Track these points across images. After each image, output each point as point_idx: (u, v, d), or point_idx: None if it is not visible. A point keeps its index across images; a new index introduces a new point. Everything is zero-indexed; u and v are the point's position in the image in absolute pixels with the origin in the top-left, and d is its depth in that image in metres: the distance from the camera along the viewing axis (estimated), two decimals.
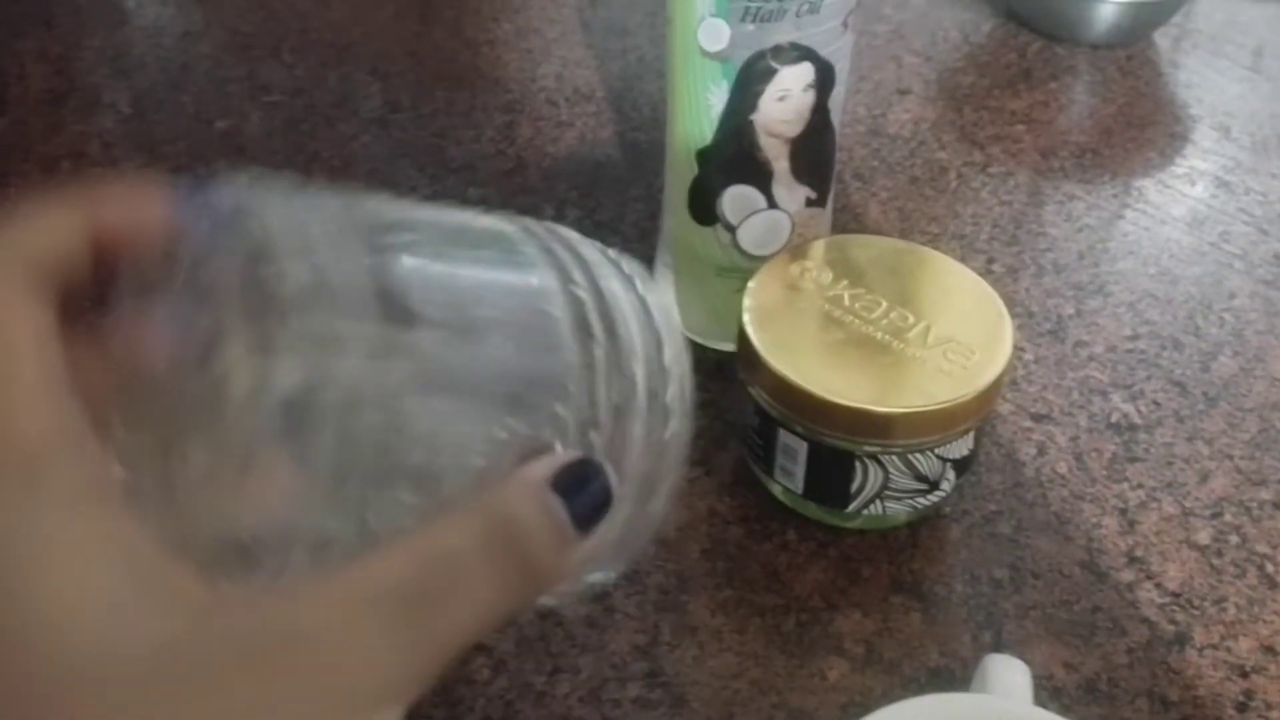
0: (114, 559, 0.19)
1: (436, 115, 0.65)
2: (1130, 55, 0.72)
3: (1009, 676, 0.30)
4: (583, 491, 0.21)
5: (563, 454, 0.22)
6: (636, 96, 0.67)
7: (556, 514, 0.21)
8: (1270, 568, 0.43)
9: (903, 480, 0.40)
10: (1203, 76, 0.70)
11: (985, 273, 0.54)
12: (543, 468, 0.21)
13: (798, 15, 0.39)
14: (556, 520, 0.21)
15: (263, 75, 0.68)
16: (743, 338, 0.40)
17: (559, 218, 0.58)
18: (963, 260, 0.45)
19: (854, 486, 0.40)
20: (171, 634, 0.18)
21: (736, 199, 0.45)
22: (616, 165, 0.62)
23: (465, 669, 0.39)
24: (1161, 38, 0.74)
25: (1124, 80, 0.70)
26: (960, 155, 0.63)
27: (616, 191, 0.60)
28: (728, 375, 0.50)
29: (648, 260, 0.54)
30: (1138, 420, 0.48)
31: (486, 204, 0.62)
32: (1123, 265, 0.56)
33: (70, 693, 0.18)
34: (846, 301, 0.41)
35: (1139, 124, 0.66)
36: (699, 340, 0.51)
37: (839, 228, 0.55)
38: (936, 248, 0.52)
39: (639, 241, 0.57)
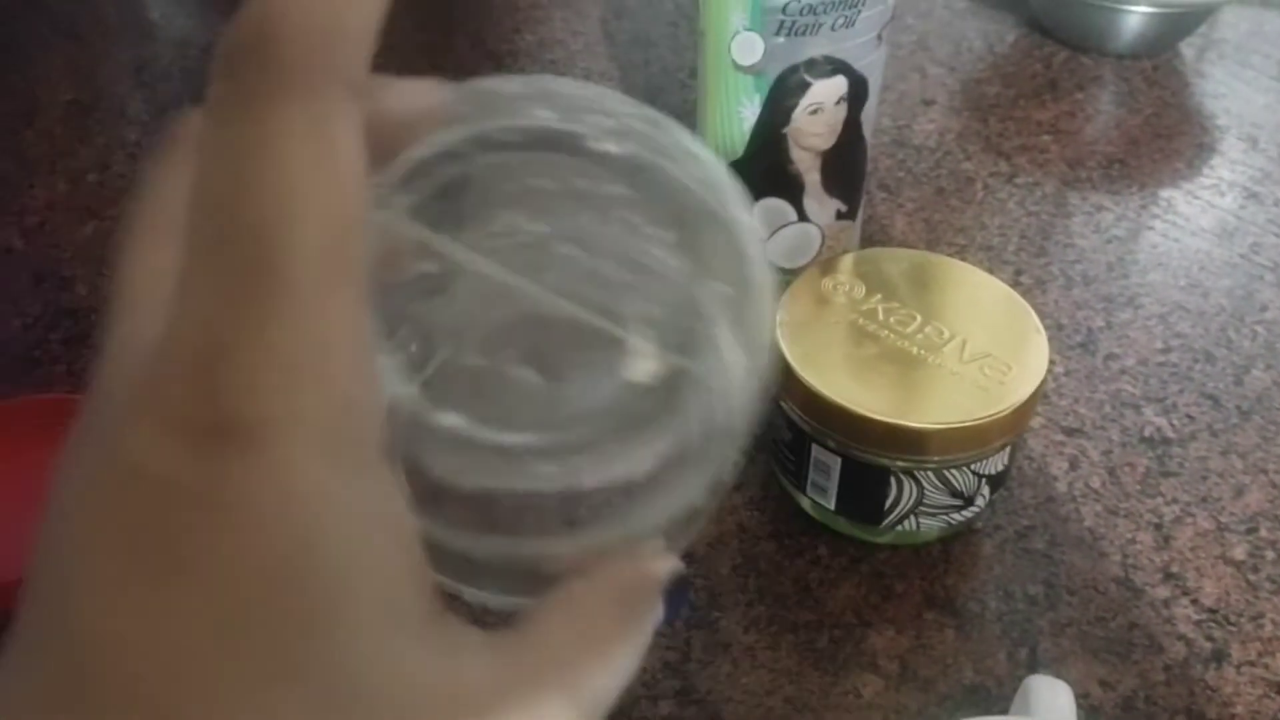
0: (391, 543, 0.17)
1: None
2: (1156, 65, 0.71)
3: (1052, 699, 0.30)
4: (671, 605, 0.22)
5: (674, 562, 0.22)
6: (661, 108, 0.66)
7: (658, 618, 0.22)
8: None
9: (937, 496, 0.39)
10: (1229, 87, 0.70)
11: (1014, 284, 0.54)
12: (664, 571, 0.21)
13: (833, 29, 0.39)
14: (657, 623, 0.22)
15: None
16: (775, 353, 0.40)
17: None
18: (991, 272, 0.45)
19: (888, 502, 0.39)
20: (421, 662, 0.17)
21: (767, 212, 0.45)
22: None
23: None
24: (1186, 48, 0.73)
25: (1150, 91, 0.69)
26: (986, 166, 0.63)
27: None
28: None
29: None
30: (1171, 434, 0.48)
31: None
32: (1153, 277, 0.56)
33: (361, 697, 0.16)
34: (880, 315, 0.41)
35: (1166, 135, 0.66)
36: None
37: (865, 239, 0.55)
38: (964, 259, 0.52)
39: None
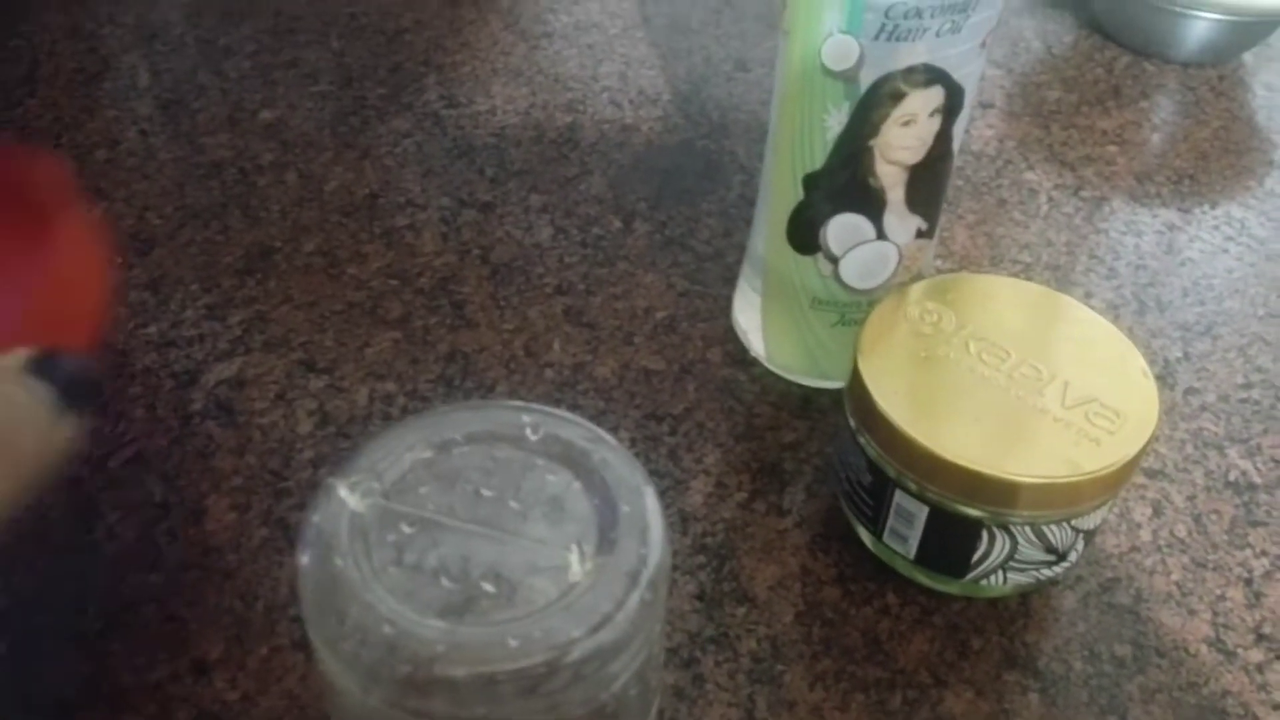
0: None
1: (495, 112, 0.61)
2: (1222, 75, 0.68)
3: None
4: (59, 370, 0.22)
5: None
6: (704, 101, 0.63)
7: (37, 392, 0.22)
8: None
9: (1031, 551, 0.36)
10: None
11: None
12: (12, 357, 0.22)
13: (937, 35, 0.36)
14: (39, 398, 0.22)
15: (309, 62, 0.64)
16: (857, 384, 0.37)
17: (627, 231, 0.55)
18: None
19: (976, 556, 0.36)
20: None
21: (843, 228, 0.41)
22: (686, 175, 0.58)
23: None
24: (1249, 57, 0.70)
25: (1217, 102, 0.66)
26: (1050, 177, 0.59)
27: (687, 204, 0.56)
28: (815, 414, 0.46)
29: (727, 282, 0.50)
30: (1257, 479, 0.45)
31: (549, 213, 0.57)
32: (1230, 305, 0.53)
33: None
34: (972, 349, 0.37)
35: (1235, 150, 0.62)
36: (786, 375, 0.47)
37: None
38: (1029, 279, 0.49)
39: (712, 260, 0.53)
